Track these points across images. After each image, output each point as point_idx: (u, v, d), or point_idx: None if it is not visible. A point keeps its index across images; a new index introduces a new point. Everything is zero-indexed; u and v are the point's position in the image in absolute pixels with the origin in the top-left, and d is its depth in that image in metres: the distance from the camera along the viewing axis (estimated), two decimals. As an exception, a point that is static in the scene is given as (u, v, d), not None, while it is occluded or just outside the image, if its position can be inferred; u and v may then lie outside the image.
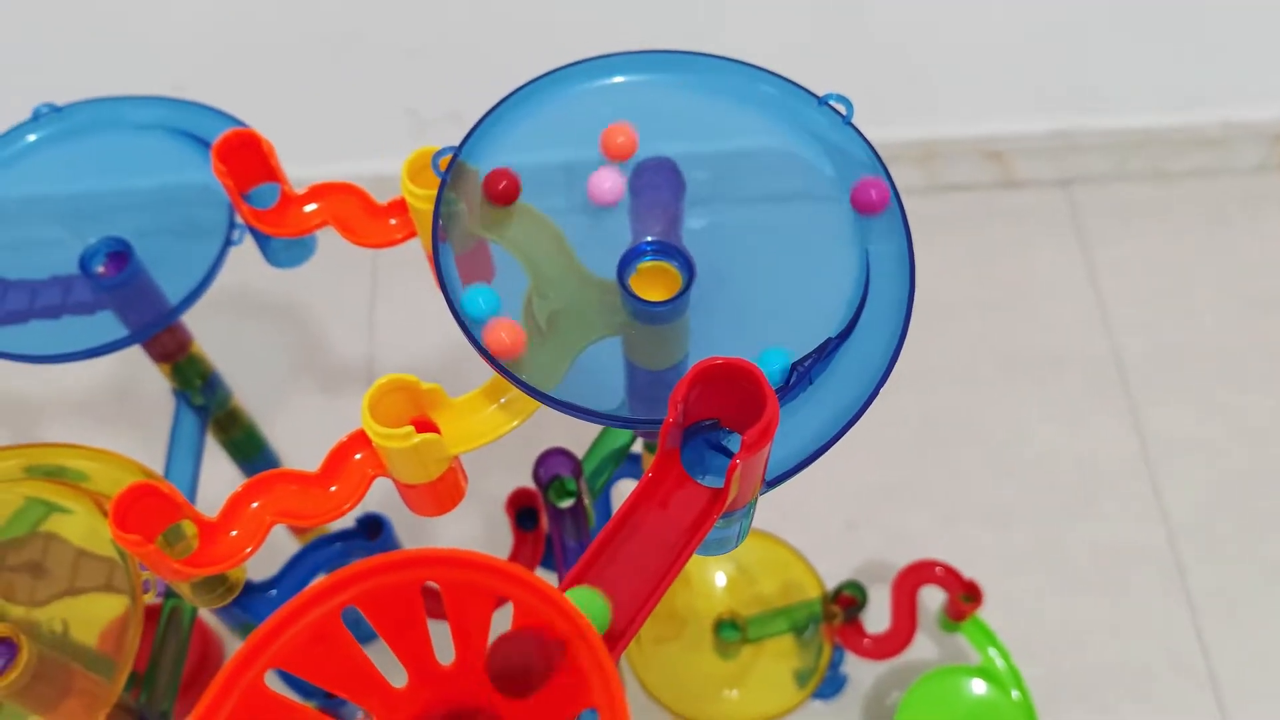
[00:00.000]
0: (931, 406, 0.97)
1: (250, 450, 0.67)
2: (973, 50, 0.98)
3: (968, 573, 0.81)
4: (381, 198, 1.15)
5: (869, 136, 0.38)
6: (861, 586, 0.78)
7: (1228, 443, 0.95)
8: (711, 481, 0.28)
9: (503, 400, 0.39)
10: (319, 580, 0.25)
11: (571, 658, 0.23)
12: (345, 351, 1.05)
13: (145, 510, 0.38)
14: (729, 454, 0.30)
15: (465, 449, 0.38)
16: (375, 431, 0.36)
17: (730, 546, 0.31)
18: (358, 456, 0.40)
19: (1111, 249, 1.05)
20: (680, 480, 0.28)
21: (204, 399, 0.62)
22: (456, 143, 1.11)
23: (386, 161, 1.05)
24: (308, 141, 1.04)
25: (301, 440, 0.99)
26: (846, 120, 0.37)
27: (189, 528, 0.41)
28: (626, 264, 0.39)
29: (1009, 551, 0.91)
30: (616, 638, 0.26)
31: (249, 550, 0.40)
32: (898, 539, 0.92)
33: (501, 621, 0.27)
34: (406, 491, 0.40)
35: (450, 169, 0.39)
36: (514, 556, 0.68)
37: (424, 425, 0.39)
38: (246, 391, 1.03)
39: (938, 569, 0.81)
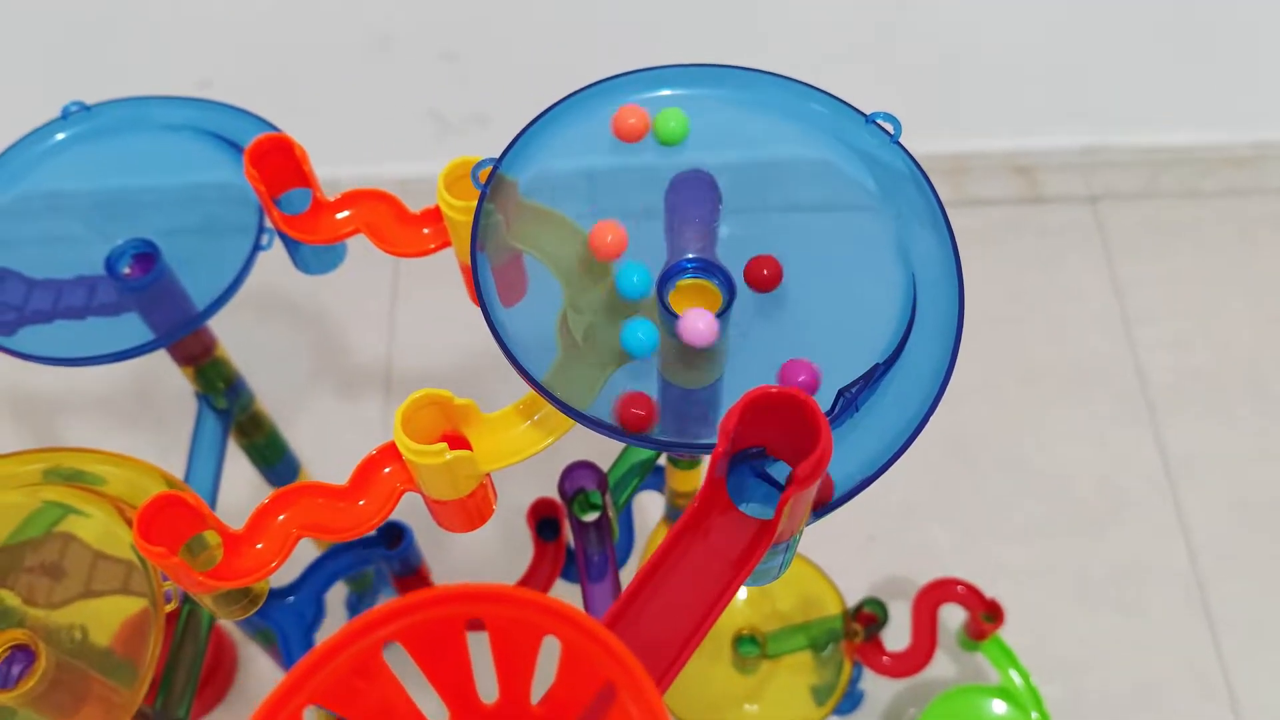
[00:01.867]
0: (955, 420, 0.96)
1: (272, 455, 0.67)
2: (1003, 64, 0.97)
3: (989, 590, 0.80)
4: (407, 201, 1.14)
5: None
6: (882, 604, 0.77)
7: (1252, 462, 0.94)
8: (759, 513, 0.27)
9: (536, 417, 0.38)
10: (360, 616, 0.24)
11: (620, 701, 0.23)
12: (365, 353, 1.04)
13: (169, 521, 0.37)
14: (774, 482, 0.29)
15: (498, 466, 0.38)
16: (408, 447, 0.35)
17: (772, 578, 0.30)
18: (387, 470, 0.39)
19: (1139, 266, 1.04)
20: (727, 511, 0.27)
21: (227, 403, 0.61)
22: (480, 146, 1.10)
23: (409, 164, 1.05)
24: (331, 142, 1.03)
25: (319, 441, 0.99)
26: (894, 139, 0.37)
27: (212, 537, 0.41)
28: (666, 281, 0.38)
29: (1030, 568, 0.90)
30: (661, 674, 0.25)
31: (274, 564, 0.39)
32: (919, 554, 0.91)
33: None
34: (435, 507, 0.40)
35: (490, 181, 0.38)
36: (534, 568, 0.67)
37: (456, 440, 0.38)
38: (265, 391, 1.02)
39: (959, 587, 0.81)
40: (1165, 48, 0.96)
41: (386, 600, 0.83)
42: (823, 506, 0.29)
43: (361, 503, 0.40)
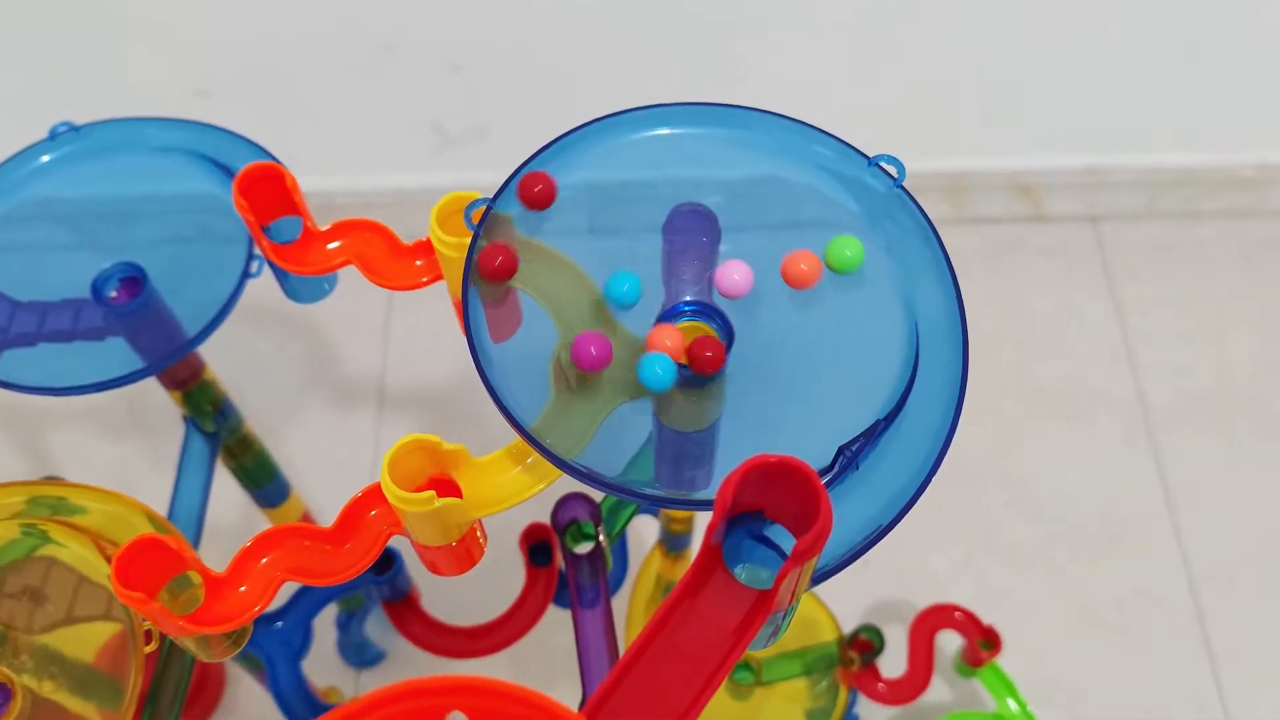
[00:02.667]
0: (953, 443, 0.95)
1: (261, 477, 0.66)
2: (1007, 84, 0.96)
3: (986, 616, 0.79)
4: (402, 213, 1.13)
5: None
6: (879, 631, 0.76)
7: (1253, 488, 0.93)
8: (757, 582, 0.26)
9: (529, 461, 0.37)
10: (337, 709, 0.23)
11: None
12: (359, 365, 1.03)
13: (149, 564, 0.36)
14: (772, 545, 0.28)
15: (488, 513, 0.37)
16: (395, 494, 0.34)
17: (768, 642, 0.29)
18: (373, 513, 0.38)
19: (1140, 287, 1.03)
20: (723, 580, 0.26)
21: (215, 426, 0.60)
22: (480, 159, 1.09)
23: (409, 175, 1.04)
24: (330, 152, 1.02)
25: (310, 454, 0.98)
26: (897, 183, 0.36)
27: (196, 575, 0.40)
28: (662, 323, 0.37)
29: (1028, 594, 0.89)
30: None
31: (258, 608, 0.38)
32: (916, 578, 0.90)
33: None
34: (423, 551, 0.39)
35: (483, 221, 0.37)
36: (525, 595, 0.66)
37: (444, 484, 0.37)
38: (256, 401, 1.01)
39: (957, 613, 0.80)
40: (1168, 69, 0.95)
41: (375, 617, 0.81)
42: (823, 574, 0.28)
43: (348, 546, 0.39)
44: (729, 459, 0.34)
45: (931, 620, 0.79)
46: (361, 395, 1.02)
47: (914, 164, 1.09)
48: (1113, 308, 1.02)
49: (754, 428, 0.34)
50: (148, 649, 0.41)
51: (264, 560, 0.38)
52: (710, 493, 0.31)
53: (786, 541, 0.28)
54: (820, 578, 0.29)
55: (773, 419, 0.33)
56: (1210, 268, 1.05)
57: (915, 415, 0.33)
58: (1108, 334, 1.01)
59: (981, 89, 0.96)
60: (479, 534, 0.39)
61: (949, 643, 0.84)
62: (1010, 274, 1.04)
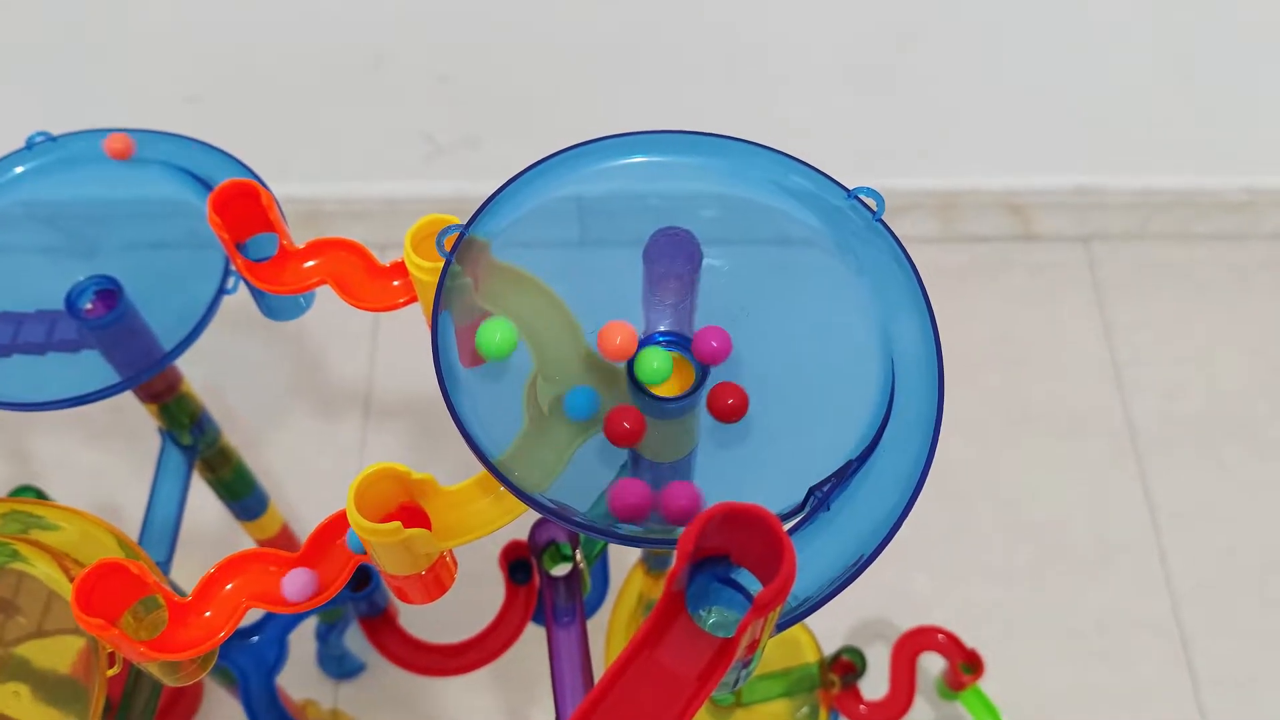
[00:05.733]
0: (939, 460, 0.94)
1: (240, 490, 0.65)
2: (1000, 103, 0.96)
3: (969, 636, 0.79)
4: (390, 222, 1.12)
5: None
6: (860, 653, 0.76)
7: (1240, 513, 0.93)
8: (721, 629, 0.26)
9: (500, 490, 0.37)
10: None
11: None
12: (345, 371, 1.03)
13: (110, 590, 0.36)
14: (738, 588, 0.28)
15: (457, 544, 0.36)
16: (361, 526, 0.34)
17: (732, 689, 0.29)
18: (342, 540, 0.38)
19: (1130, 309, 1.03)
20: (686, 626, 0.25)
21: (192, 439, 0.59)
22: (470, 168, 1.08)
23: (398, 184, 1.03)
24: (320, 160, 1.02)
25: (294, 462, 0.97)
26: (876, 217, 0.35)
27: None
28: (638, 353, 0.37)
29: (1012, 615, 0.89)
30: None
31: (222, 634, 0.37)
32: (899, 598, 0.89)
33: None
34: (390, 580, 0.38)
35: (455, 248, 0.36)
36: (505, 612, 0.66)
37: (413, 513, 0.37)
38: (240, 408, 1.01)
39: (940, 636, 0.79)
40: (1161, 91, 0.95)
41: (355, 629, 0.80)
42: (788, 620, 0.28)
43: (315, 573, 0.38)
44: (704, 491, 0.34)
45: (914, 642, 0.79)
46: (348, 403, 1.02)
47: (905, 180, 1.09)
48: (1102, 328, 1.02)
49: (725, 464, 0.33)
50: (111, 672, 0.41)
51: (229, 586, 0.38)
52: (678, 533, 0.31)
53: (753, 585, 0.27)
54: (785, 624, 0.28)
55: (746, 454, 0.33)
56: (1202, 290, 1.04)
57: (888, 454, 0.32)
58: (1097, 354, 1.01)
59: (974, 106, 0.96)
60: (449, 560, 0.39)
61: (932, 664, 0.84)
62: (1000, 292, 1.04)
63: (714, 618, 0.28)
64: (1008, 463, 0.95)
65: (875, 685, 0.78)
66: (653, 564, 0.71)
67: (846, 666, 0.76)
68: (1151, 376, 0.99)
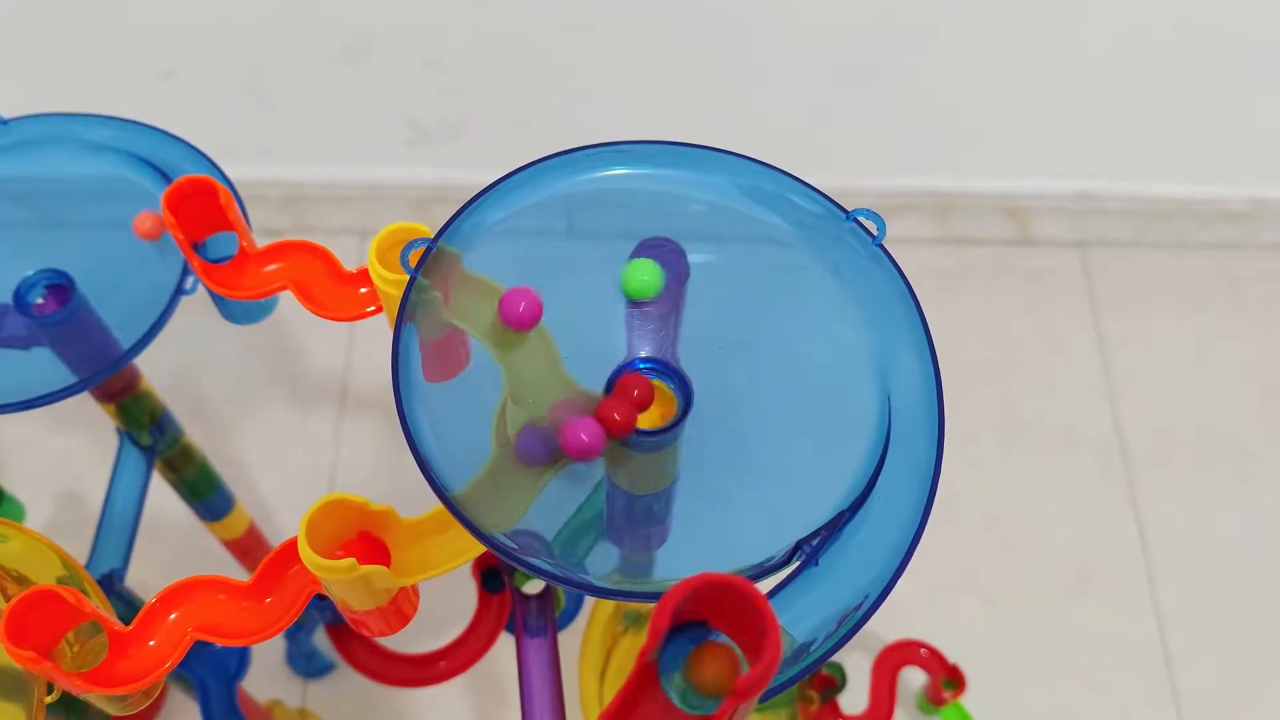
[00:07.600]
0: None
1: (204, 489, 0.63)
2: (999, 108, 0.93)
3: (952, 650, 0.77)
4: (372, 208, 1.08)
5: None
6: (840, 667, 0.74)
7: (1228, 537, 0.91)
8: (697, 710, 0.23)
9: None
10: None
11: None
12: (322, 361, 1.00)
13: (44, 618, 0.33)
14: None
15: (417, 580, 0.34)
16: (314, 562, 0.31)
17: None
18: (296, 569, 0.35)
19: (1125, 320, 1.01)
20: (660, 701, 0.23)
21: (151, 439, 0.57)
22: (455, 155, 1.05)
23: (381, 169, 1.00)
24: (300, 142, 0.99)
25: (266, 452, 0.95)
26: (876, 241, 0.33)
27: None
28: (616, 379, 0.34)
29: (995, 630, 0.87)
30: None
31: (167, 665, 0.35)
32: (883, 608, 0.87)
33: None
34: (348, 612, 0.36)
35: (423, 262, 0.34)
36: (476, 622, 0.63)
37: (372, 545, 0.34)
38: (213, 395, 0.98)
39: (922, 650, 0.78)
40: (1162, 98, 0.93)
41: (321, 630, 0.77)
42: (773, 690, 0.26)
43: (268, 600, 0.36)
44: (683, 536, 0.32)
45: (896, 656, 0.77)
46: (323, 395, 0.99)
47: (902, 181, 1.06)
48: (1097, 340, 1.00)
49: (708, 502, 0.31)
50: (49, 699, 0.38)
51: (173, 616, 0.35)
52: (655, 583, 0.28)
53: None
54: (770, 694, 0.26)
55: (729, 473, 0.31)
56: (1197, 301, 1.03)
57: (882, 503, 0.30)
58: (1090, 367, 0.99)
59: (974, 109, 0.94)
60: (411, 593, 0.36)
61: (913, 678, 0.82)
62: (994, 297, 1.02)
63: (687, 708, 0.25)
64: (996, 476, 0.93)
65: (855, 700, 0.76)
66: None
67: (826, 681, 0.74)
68: (1144, 392, 0.97)
